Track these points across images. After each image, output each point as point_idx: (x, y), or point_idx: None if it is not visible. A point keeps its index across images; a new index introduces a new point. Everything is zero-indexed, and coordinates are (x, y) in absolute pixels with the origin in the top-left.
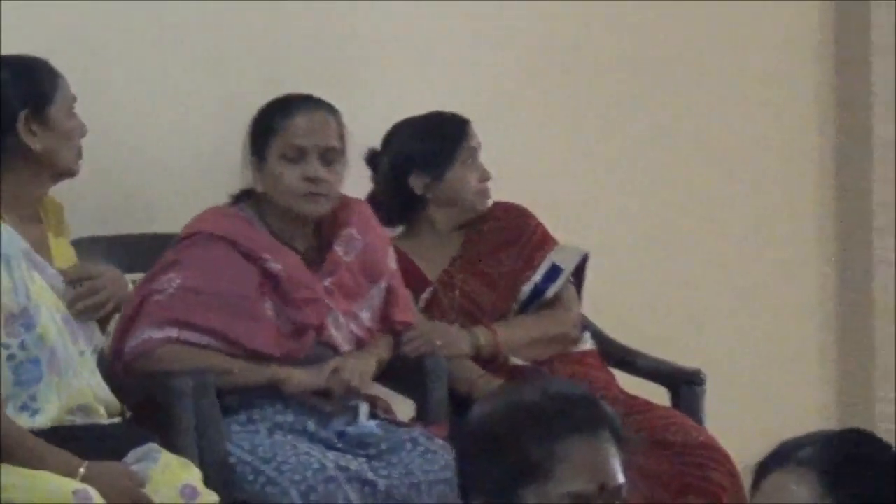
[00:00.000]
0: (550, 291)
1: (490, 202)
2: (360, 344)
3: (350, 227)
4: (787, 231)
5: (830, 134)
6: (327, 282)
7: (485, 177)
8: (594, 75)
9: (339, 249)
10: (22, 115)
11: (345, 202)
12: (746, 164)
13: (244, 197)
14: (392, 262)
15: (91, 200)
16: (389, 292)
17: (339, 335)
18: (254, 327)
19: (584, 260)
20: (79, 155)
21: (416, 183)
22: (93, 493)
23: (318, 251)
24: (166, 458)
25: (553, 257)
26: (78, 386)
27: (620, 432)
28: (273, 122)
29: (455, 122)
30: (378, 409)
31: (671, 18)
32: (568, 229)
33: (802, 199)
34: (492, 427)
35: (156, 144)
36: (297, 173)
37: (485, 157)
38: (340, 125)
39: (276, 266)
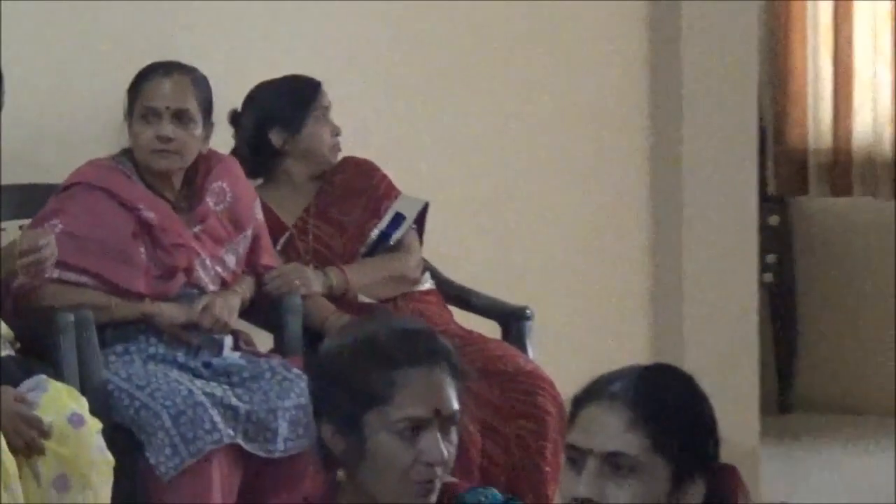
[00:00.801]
0: (394, 237)
1: (340, 156)
2: (224, 285)
3: (220, 181)
4: (609, 182)
5: (644, 98)
6: (196, 229)
7: (335, 132)
8: (438, 40)
9: (209, 200)
10: None
11: (216, 158)
12: (575, 122)
13: (126, 152)
14: (258, 213)
15: None
16: (255, 239)
17: (205, 277)
18: (127, 269)
19: (425, 209)
20: None
21: (276, 138)
22: None
23: (189, 201)
24: (55, 387)
25: (397, 206)
26: None
27: (456, 363)
28: (136, 85)
29: (309, 83)
30: (241, 342)
31: None
32: (410, 181)
33: (622, 153)
34: (340, 358)
35: (41, 104)
36: (150, 132)
37: (336, 116)
38: (200, 89)
39: (149, 214)
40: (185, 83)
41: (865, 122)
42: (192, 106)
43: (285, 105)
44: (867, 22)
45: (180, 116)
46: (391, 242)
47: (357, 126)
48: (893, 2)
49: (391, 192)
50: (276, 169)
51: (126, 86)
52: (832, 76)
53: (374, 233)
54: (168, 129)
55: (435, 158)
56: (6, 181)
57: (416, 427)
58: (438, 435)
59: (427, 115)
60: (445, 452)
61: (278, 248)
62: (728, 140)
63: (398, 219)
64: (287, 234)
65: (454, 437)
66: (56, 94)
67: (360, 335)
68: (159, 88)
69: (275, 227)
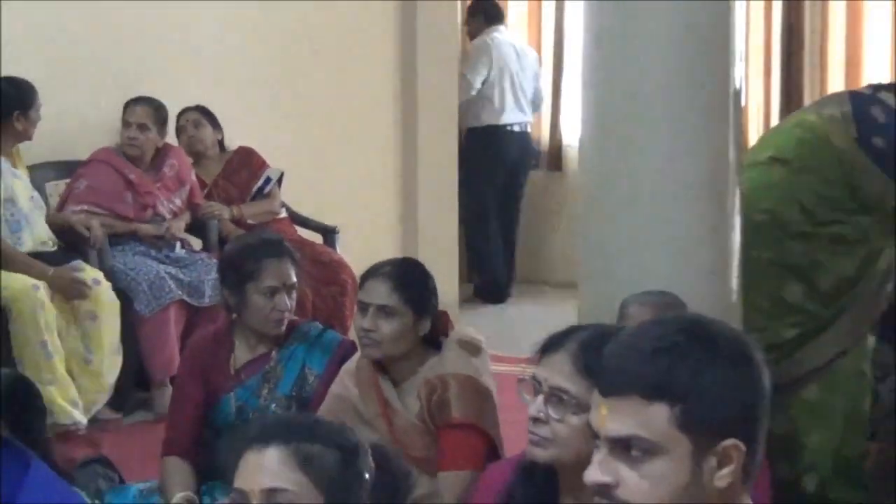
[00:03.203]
0: (266, 190)
1: (236, 146)
2: (175, 214)
3: (171, 160)
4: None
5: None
6: (158, 185)
7: (219, 136)
8: (267, 56)
9: (165, 169)
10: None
11: (168, 147)
12: (347, 87)
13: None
14: (192, 176)
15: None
16: (191, 190)
17: (164, 210)
18: (122, 205)
19: (282, 175)
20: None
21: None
22: (42, 285)
23: (154, 170)
24: (84, 266)
25: (267, 173)
26: (38, 231)
27: (295, 257)
28: (124, 109)
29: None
30: (186, 244)
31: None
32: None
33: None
34: (232, 253)
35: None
36: (126, 135)
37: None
38: (156, 110)
39: (131, 176)
40: (148, 111)
41: None
42: (149, 122)
43: None
44: None
45: (142, 128)
46: (264, 193)
47: (238, 125)
48: None
49: (263, 165)
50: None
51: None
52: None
53: (256, 187)
54: (135, 133)
55: (274, 140)
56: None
57: (273, 291)
58: (285, 295)
59: (265, 104)
60: (289, 304)
61: (203, 194)
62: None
63: (268, 180)
64: (207, 188)
65: (294, 296)
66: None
67: (244, 241)
68: (133, 114)
69: (201, 184)
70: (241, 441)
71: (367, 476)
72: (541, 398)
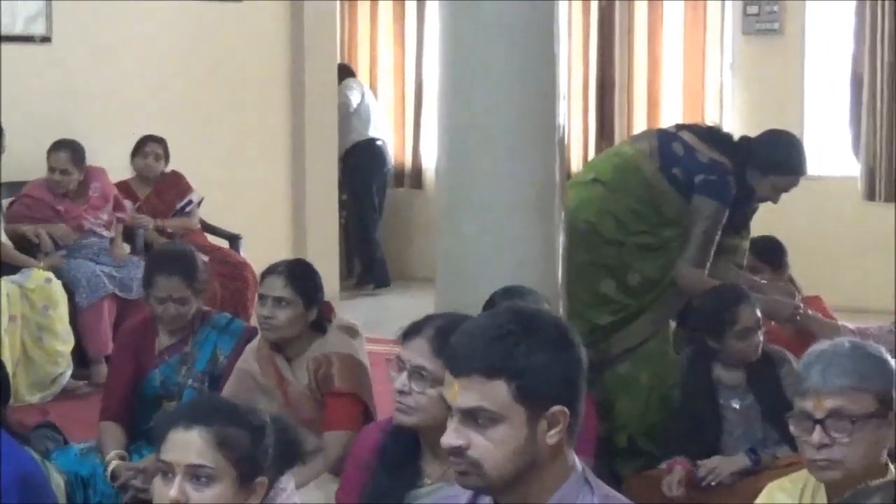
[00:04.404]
0: (188, 209)
1: (169, 168)
2: (104, 226)
3: (95, 182)
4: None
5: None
6: (85, 206)
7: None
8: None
9: (91, 192)
10: None
11: (92, 169)
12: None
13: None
14: (115, 192)
15: None
16: (115, 204)
17: (93, 226)
18: (55, 227)
19: (202, 199)
20: None
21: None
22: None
23: (80, 193)
24: (37, 270)
25: (191, 196)
26: None
27: (191, 272)
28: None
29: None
30: (116, 250)
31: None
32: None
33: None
34: (145, 261)
35: None
36: (51, 178)
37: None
38: (75, 153)
39: (60, 208)
40: (68, 156)
41: None
42: (70, 166)
43: None
44: None
45: (64, 172)
46: (186, 211)
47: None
48: None
49: (189, 189)
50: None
51: None
52: None
53: (180, 206)
54: (59, 177)
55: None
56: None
57: (161, 300)
58: (171, 304)
59: (181, 132)
60: (177, 311)
61: (135, 209)
62: None
63: (189, 202)
64: (139, 203)
65: (189, 303)
66: None
67: (153, 253)
68: (57, 160)
69: (134, 199)
70: (170, 417)
71: (270, 450)
72: (405, 374)
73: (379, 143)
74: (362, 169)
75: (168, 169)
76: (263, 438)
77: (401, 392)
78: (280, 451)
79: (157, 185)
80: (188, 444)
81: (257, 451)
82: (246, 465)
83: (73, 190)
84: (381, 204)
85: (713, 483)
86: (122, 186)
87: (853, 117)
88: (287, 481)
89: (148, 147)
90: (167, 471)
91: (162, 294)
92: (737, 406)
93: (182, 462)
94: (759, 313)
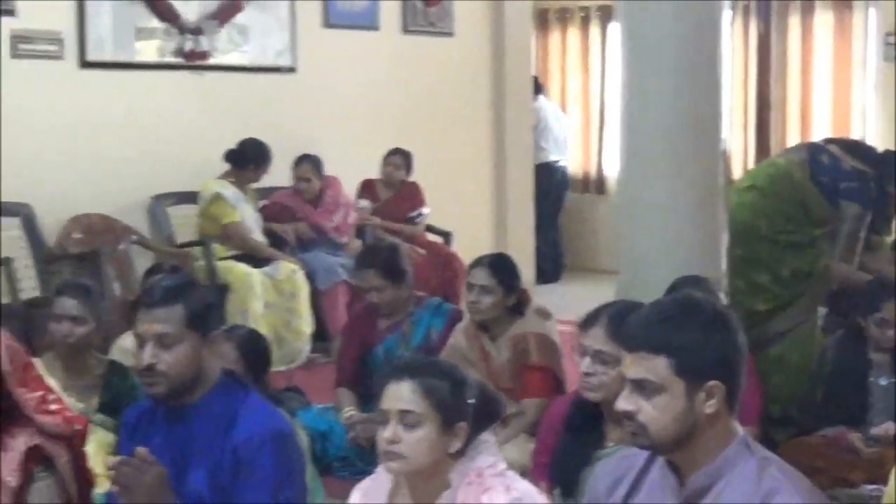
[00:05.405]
0: (417, 220)
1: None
2: (337, 229)
3: (330, 190)
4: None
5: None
6: (320, 210)
7: None
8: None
9: (326, 199)
10: None
11: (329, 181)
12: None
13: None
14: (346, 199)
15: None
16: (345, 210)
17: (328, 228)
18: (298, 226)
19: (428, 213)
20: None
21: None
22: (254, 272)
23: (320, 201)
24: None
25: (422, 209)
26: (257, 234)
27: (395, 258)
28: None
29: None
30: (349, 244)
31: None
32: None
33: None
34: (374, 245)
35: None
36: (296, 186)
37: None
38: (313, 167)
39: (299, 214)
40: (309, 167)
41: None
42: (312, 176)
43: None
44: None
45: (307, 181)
46: (415, 221)
47: None
48: None
49: (423, 202)
50: None
51: None
52: None
53: (409, 215)
54: (303, 186)
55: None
56: None
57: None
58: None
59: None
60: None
61: (371, 210)
62: None
63: (420, 214)
64: (376, 205)
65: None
66: None
67: (369, 245)
68: (301, 169)
69: (374, 200)
70: (385, 375)
71: (471, 401)
72: (588, 359)
73: (559, 164)
74: (541, 191)
75: (410, 178)
76: (463, 390)
77: (586, 374)
78: (482, 410)
79: (397, 191)
80: (399, 394)
81: (458, 400)
82: (448, 412)
83: (314, 196)
84: (557, 213)
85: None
86: (368, 185)
87: None
88: (489, 436)
89: (391, 158)
90: (384, 418)
91: (364, 285)
92: (884, 383)
93: (394, 409)
94: None
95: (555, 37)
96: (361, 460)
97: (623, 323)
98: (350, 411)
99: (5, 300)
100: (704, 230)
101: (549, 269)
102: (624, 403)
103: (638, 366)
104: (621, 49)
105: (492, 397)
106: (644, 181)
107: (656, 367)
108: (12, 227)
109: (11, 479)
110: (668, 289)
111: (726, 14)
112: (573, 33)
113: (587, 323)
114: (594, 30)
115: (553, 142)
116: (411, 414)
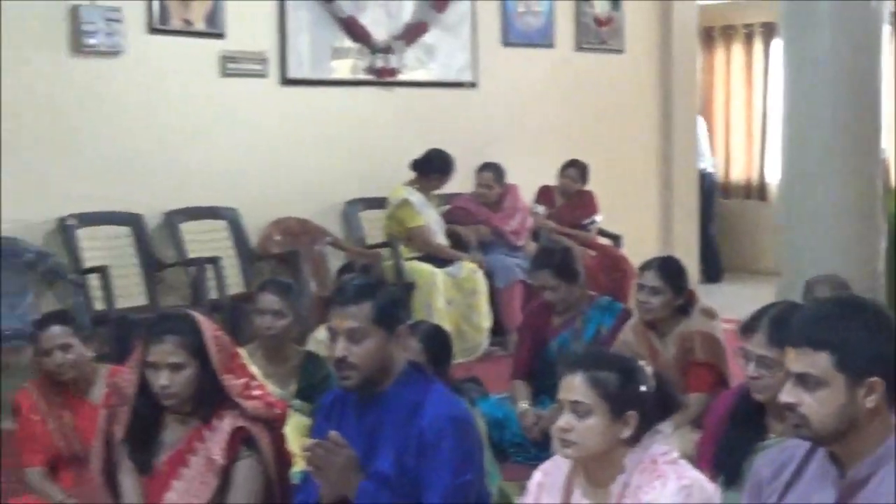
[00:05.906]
0: (589, 226)
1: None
2: (514, 232)
3: (509, 195)
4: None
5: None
6: (500, 214)
7: None
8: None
9: (505, 204)
10: None
11: (508, 187)
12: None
13: None
14: (524, 206)
15: None
16: (523, 216)
17: (506, 230)
18: (479, 229)
19: (601, 219)
20: None
21: None
22: (438, 272)
23: (500, 205)
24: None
25: (595, 216)
26: (441, 237)
27: (567, 261)
28: None
29: None
30: (526, 246)
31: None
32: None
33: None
34: (545, 247)
35: None
36: (479, 191)
37: None
38: (496, 174)
39: (480, 217)
40: (491, 175)
41: None
42: (493, 183)
43: None
44: None
45: (489, 187)
46: (587, 228)
47: None
48: None
49: (596, 210)
50: None
51: None
52: None
53: (582, 222)
54: (484, 191)
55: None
56: None
57: None
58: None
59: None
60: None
61: (546, 215)
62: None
63: (593, 221)
64: (552, 211)
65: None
66: None
67: (541, 246)
68: (482, 177)
69: (550, 205)
70: (561, 368)
71: (643, 388)
72: (752, 364)
73: (707, 171)
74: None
75: (585, 187)
76: (632, 380)
77: (752, 378)
78: (660, 401)
79: (572, 199)
80: (571, 386)
81: (626, 391)
82: (616, 401)
83: (493, 202)
84: (711, 218)
85: None
86: (546, 191)
87: None
88: (667, 427)
89: (568, 170)
90: (560, 407)
91: (539, 284)
92: None
93: (567, 399)
94: None
95: (719, 53)
96: (535, 447)
97: (783, 326)
98: (524, 404)
99: (214, 295)
100: (863, 235)
101: (710, 271)
102: (787, 396)
103: (801, 360)
104: (784, 64)
105: (668, 389)
106: (805, 189)
107: (818, 362)
108: (220, 229)
109: (219, 458)
110: (805, 287)
111: (886, 29)
112: (737, 49)
113: (748, 329)
114: (757, 46)
115: (700, 152)
116: (581, 404)
